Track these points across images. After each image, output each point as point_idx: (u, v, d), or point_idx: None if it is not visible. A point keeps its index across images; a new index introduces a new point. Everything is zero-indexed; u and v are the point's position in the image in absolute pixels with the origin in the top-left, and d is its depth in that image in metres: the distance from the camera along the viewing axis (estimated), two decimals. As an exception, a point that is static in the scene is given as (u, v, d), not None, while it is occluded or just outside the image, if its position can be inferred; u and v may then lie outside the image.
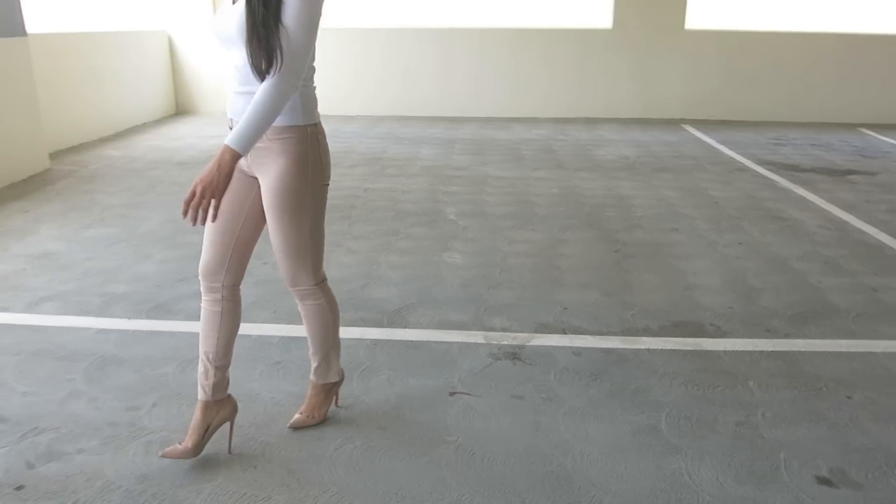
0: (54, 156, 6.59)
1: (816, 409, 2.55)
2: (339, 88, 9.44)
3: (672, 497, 2.08)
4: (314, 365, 2.44)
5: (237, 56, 2.00)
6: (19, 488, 2.11)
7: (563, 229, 4.64)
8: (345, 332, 3.10)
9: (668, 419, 2.48)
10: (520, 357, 2.92)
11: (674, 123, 9.21)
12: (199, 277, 2.24)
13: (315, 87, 2.13)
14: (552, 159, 6.90)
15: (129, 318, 3.27)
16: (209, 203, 1.92)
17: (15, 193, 5.35)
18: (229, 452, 2.28)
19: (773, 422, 2.47)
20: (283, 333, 3.11)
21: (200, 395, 2.24)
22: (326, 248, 4.23)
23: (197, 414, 2.23)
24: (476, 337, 3.09)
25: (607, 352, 2.97)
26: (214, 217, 1.95)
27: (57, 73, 6.82)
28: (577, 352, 2.97)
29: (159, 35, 9.13)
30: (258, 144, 2.02)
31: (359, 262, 4.00)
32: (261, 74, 1.91)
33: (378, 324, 3.22)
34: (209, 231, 2.19)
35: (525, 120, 9.36)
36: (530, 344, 3.03)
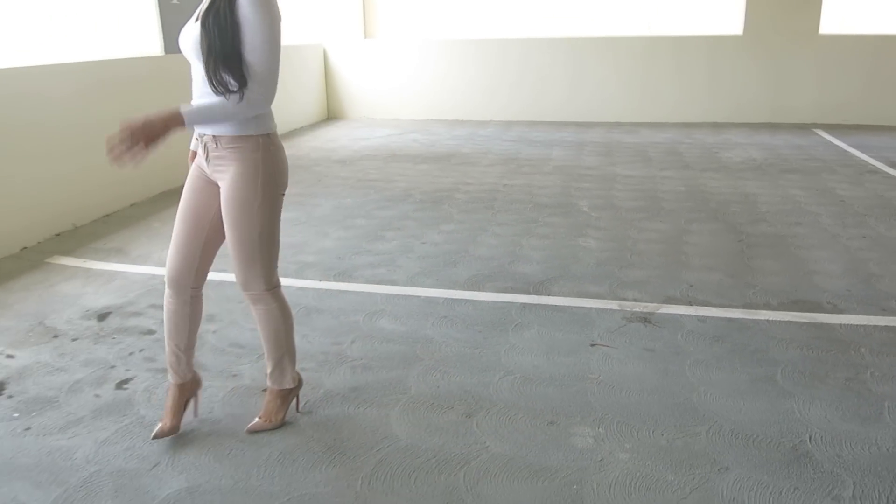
0: (232, 154, 7.60)
1: (923, 372, 2.87)
2: (476, 95, 10.11)
3: (783, 427, 2.50)
4: (269, 370, 2.52)
5: (195, 70, 2.18)
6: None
7: (689, 221, 5.01)
8: (496, 297, 3.70)
9: (783, 372, 2.88)
10: (650, 321, 3.38)
11: (805, 128, 9.22)
12: (167, 282, 2.41)
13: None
14: (678, 160, 7.22)
15: (320, 281, 3.98)
16: (138, 148, 2.01)
17: (208, 184, 6.32)
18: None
19: (881, 379, 2.81)
20: (445, 296, 3.71)
21: (175, 380, 2.48)
22: (474, 233, 4.86)
23: (175, 393, 2.48)
24: (611, 304, 3.58)
25: (729, 320, 3.38)
26: (139, 159, 2.03)
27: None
28: (702, 319, 3.39)
29: (316, 48, 10.16)
30: (215, 153, 2.23)
31: (504, 243, 4.57)
32: (227, 93, 2.09)
33: (525, 291, 3.77)
34: (178, 238, 2.36)
35: (652, 124, 9.66)
36: (659, 312, 3.48)
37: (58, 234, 4.82)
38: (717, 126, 9.46)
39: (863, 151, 7.56)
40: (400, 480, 2.24)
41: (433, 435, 2.48)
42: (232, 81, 2.09)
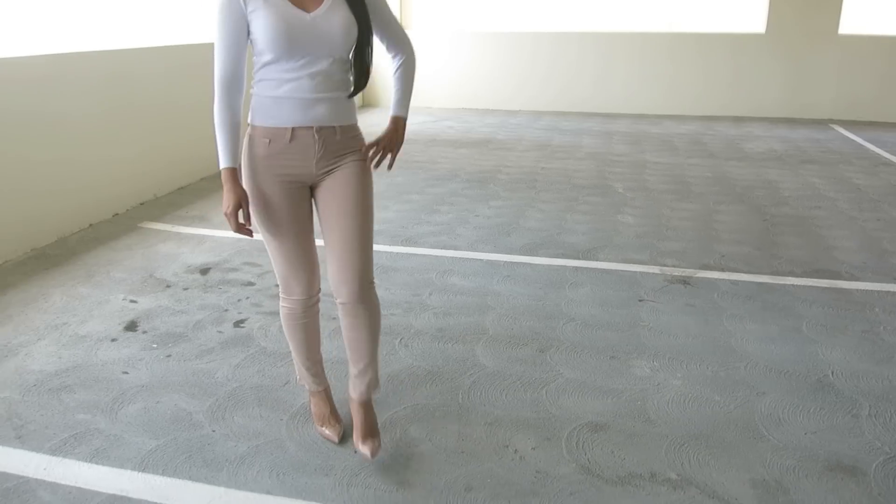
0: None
1: (929, 327, 3.33)
2: (507, 86, 10.55)
3: (809, 365, 2.96)
4: (368, 378, 2.32)
5: (324, 64, 2.04)
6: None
7: (718, 203, 5.47)
8: (551, 261, 4.17)
9: (807, 325, 3.34)
10: (689, 283, 3.84)
11: (822, 123, 9.63)
12: (300, 298, 2.29)
13: None
14: (703, 150, 7.66)
15: (390, 245, 4.46)
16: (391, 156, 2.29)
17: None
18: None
19: (892, 332, 3.27)
20: (505, 259, 4.19)
21: (322, 385, 2.51)
22: (521, 208, 5.35)
23: (324, 399, 2.51)
24: (653, 269, 4.04)
25: (759, 284, 3.84)
26: None
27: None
28: (735, 283, 3.85)
29: (354, 38, 10.60)
30: (333, 147, 2.12)
31: (549, 217, 5.04)
32: (367, 75, 2.16)
33: (575, 257, 4.24)
34: (296, 257, 2.22)
35: (675, 117, 10.09)
36: (696, 276, 3.95)
37: (142, 203, 5.31)
38: (738, 119, 9.89)
39: (878, 146, 7.97)
40: (494, 395, 2.72)
41: (514, 364, 2.96)
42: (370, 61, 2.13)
